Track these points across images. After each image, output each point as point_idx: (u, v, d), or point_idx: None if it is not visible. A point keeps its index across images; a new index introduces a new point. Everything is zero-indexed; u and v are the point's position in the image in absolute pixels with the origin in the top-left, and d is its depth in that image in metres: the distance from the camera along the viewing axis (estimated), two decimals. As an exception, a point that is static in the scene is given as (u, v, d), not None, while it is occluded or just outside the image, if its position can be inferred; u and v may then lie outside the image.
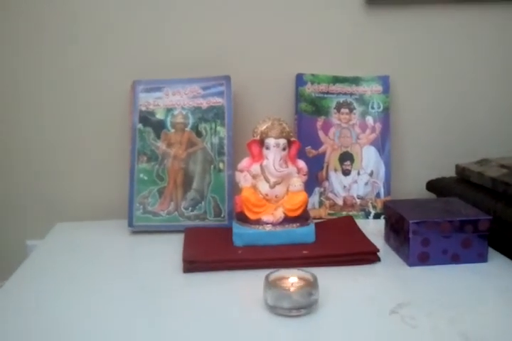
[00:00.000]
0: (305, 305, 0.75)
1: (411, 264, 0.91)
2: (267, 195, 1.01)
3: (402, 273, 0.90)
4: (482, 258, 0.92)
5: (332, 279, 0.85)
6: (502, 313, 0.77)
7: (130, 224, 1.10)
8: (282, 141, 1.00)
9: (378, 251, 0.94)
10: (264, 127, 1.01)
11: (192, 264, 0.91)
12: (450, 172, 1.18)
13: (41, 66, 1.17)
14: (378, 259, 0.93)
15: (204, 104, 1.15)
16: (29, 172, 1.21)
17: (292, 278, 0.79)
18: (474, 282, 0.86)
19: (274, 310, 0.76)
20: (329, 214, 1.17)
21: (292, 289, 0.76)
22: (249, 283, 0.85)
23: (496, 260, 0.93)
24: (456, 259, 0.91)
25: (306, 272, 0.80)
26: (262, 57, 1.19)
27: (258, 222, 1.00)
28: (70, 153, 1.21)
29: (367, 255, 0.93)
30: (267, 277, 0.78)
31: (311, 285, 0.76)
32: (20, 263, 0.97)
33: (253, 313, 0.77)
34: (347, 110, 1.19)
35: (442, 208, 0.96)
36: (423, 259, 0.91)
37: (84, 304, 0.81)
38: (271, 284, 0.77)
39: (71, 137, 1.20)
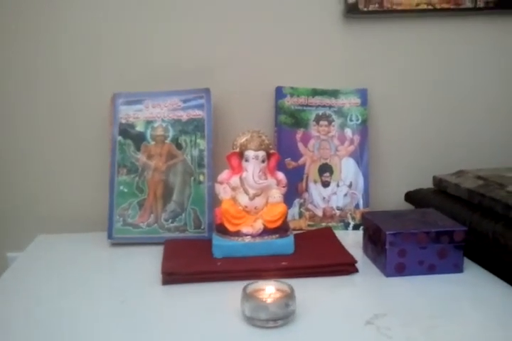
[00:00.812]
0: (282, 316, 0.75)
1: (388, 275, 0.92)
2: (246, 206, 1.02)
3: (379, 284, 0.91)
4: (458, 268, 0.93)
5: (310, 290, 0.86)
6: (477, 323, 0.78)
7: (110, 236, 1.10)
8: (261, 154, 1.01)
9: (356, 262, 0.95)
10: (244, 140, 1.02)
11: (171, 276, 0.91)
12: (428, 184, 1.19)
13: (21, 78, 1.18)
14: (356, 270, 0.94)
15: (184, 116, 1.15)
16: (9, 185, 1.21)
17: (269, 290, 0.79)
18: (450, 292, 0.87)
19: (251, 321, 0.76)
20: (309, 225, 1.18)
21: (269, 300, 0.77)
22: (228, 294, 0.86)
23: (471, 270, 0.94)
24: (432, 270, 0.93)
25: (283, 283, 0.80)
26: (241, 70, 1.21)
27: (237, 233, 1.00)
28: (50, 166, 1.21)
29: (345, 266, 0.94)
30: (244, 289, 0.78)
31: (288, 296, 0.77)
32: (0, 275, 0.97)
33: (231, 325, 0.77)
34: (326, 122, 1.21)
35: (419, 219, 0.98)
36: (400, 270, 0.92)
37: (64, 316, 0.81)
38: (248, 296, 0.77)
39: (51, 149, 1.20)
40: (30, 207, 1.22)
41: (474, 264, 0.96)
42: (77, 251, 1.09)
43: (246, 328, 0.76)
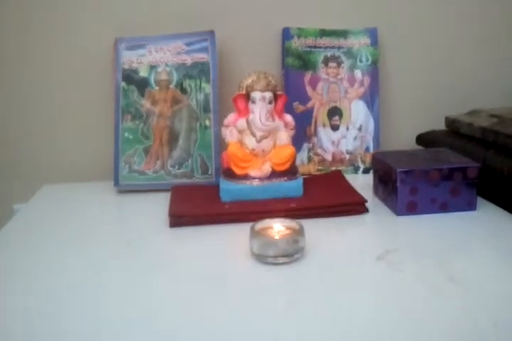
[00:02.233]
0: (291, 253, 0.74)
1: (399, 213, 0.90)
2: (253, 149, 1.00)
3: (390, 223, 0.89)
4: (471, 206, 0.91)
5: (320, 230, 0.84)
6: (489, 258, 0.76)
7: (116, 184, 1.09)
8: (268, 94, 0.98)
9: (366, 201, 0.92)
10: (250, 81, 0.99)
11: (178, 219, 0.90)
12: (440, 126, 1.16)
13: (24, 29, 1.14)
14: (366, 210, 0.92)
15: (188, 60, 1.12)
16: (11, 136, 1.19)
17: (277, 227, 0.78)
18: (462, 230, 0.85)
19: (260, 258, 0.75)
20: (318, 169, 1.16)
21: (277, 237, 0.75)
22: (236, 235, 0.84)
23: (484, 208, 0.92)
24: (444, 208, 0.90)
25: (291, 221, 0.79)
26: (247, 11, 1.16)
27: (245, 177, 0.98)
28: (53, 114, 1.19)
29: (355, 206, 0.92)
30: (252, 226, 0.77)
31: (297, 233, 0.75)
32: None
33: (239, 263, 0.76)
34: (335, 64, 1.17)
35: (431, 157, 0.95)
36: (411, 208, 0.90)
37: (71, 261, 0.80)
38: (256, 233, 0.76)
39: (54, 98, 1.18)
40: (34, 158, 1.20)
41: (487, 202, 0.94)
42: (83, 199, 1.08)
43: (255, 265, 0.75)
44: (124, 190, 1.09)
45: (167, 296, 0.69)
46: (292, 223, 0.78)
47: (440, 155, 0.96)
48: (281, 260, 0.74)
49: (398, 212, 0.90)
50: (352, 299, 0.66)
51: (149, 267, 0.77)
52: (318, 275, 0.73)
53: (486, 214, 0.90)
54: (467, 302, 0.65)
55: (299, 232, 0.75)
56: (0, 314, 0.66)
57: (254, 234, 0.76)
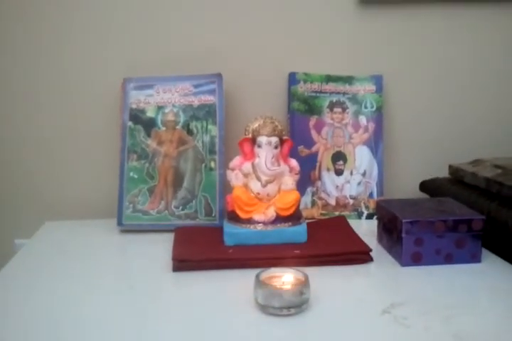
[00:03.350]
0: (296, 304, 0.73)
1: (404, 264, 0.90)
2: (258, 193, 1.00)
3: (395, 273, 0.89)
4: (476, 258, 0.91)
5: (324, 279, 0.84)
6: (496, 314, 0.75)
7: (119, 223, 1.08)
8: (274, 139, 0.99)
9: (371, 250, 0.92)
10: (256, 125, 1.00)
11: (181, 263, 0.89)
12: (443, 173, 1.17)
13: (33, 65, 1.16)
14: (371, 259, 0.92)
15: (195, 101, 1.13)
16: (18, 171, 1.19)
17: (283, 277, 0.77)
18: (468, 282, 0.85)
19: (264, 309, 0.74)
20: (322, 214, 1.16)
21: (283, 288, 0.75)
22: (240, 282, 0.84)
23: (489, 260, 0.92)
24: (449, 259, 0.90)
25: (297, 271, 0.78)
26: (254, 55, 1.18)
27: (249, 221, 0.98)
28: (59, 152, 1.19)
29: (359, 255, 0.92)
30: (257, 275, 0.77)
31: (302, 284, 0.75)
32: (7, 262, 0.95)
33: (244, 312, 0.75)
34: (340, 109, 1.18)
35: (436, 208, 0.95)
36: (416, 259, 0.90)
37: (72, 302, 0.79)
38: (261, 283, 0.75)
39: (61, 135, 1.19)
40: (39, 194, 1.20)
41: (492, 254, 0.94)
42: (86, 237, 1.07)
43: (259, 316, 0.74)
44: (127, 229, 1.09)
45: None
46: (298, 273, 0.78)
47: (445, 206, 0.96)
48: (286, 312, 0.73)
49: (403, 262, 0.90)
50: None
51: (151, 313, 0.76)
52: (324, 328, 0.72)
53: (491, 266, 0.90)
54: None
55: (305, 283, 0.75)
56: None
57: (259, 284, 0.75)
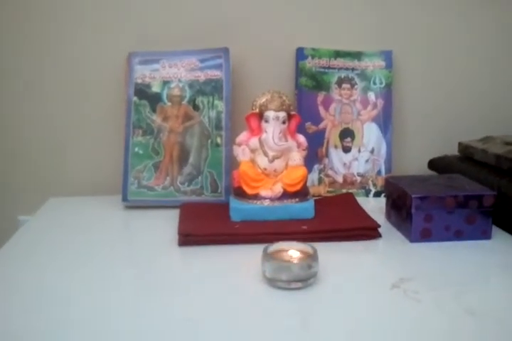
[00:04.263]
0: (304, 278, 0.72)
1: (413, 240, 0.89)
2: (265, 169, 0.98)
3: (404, 249, 0.87)
4: (486, 235, 0.90)
5: (332, 254, 0.83)
6: (506, 289, 0.74)
7: (124, 199, 1.07)
8: (282, 114, 0.97)
9: (379, 226, 0.91)
10: (264, 100, 0.98)
11: (187, 237, 0.88)
12: (453, 151, 1.15)
13: (38, 40, 1.14)
14: (379, 235, 0.91)
15: (202, 76, 1.11)
16: (21, 148, 1.18)
17: (291, 251, 0.76)
18: (478, 258, 0.84)
19: (272, 282, 0.73)
20: (329, 191, 1.15)
21: (291, 261, 0.74)
22: (247, 256, 0.83)
23: (499, 237, 0.91)
24: (459, 236, 0.89)
25: (305, 245, 0.77)
26: (261, 29, 1.16)
27: (256, 196, 0.97)
28: (63, 127, 1.18)
29: (367, 230, 0.91)
30: (265, 249, 0.76)
31: (310, 257, 0.74)
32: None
33: (251, 286, 0.74)
34: (348, 85, 1.16)
35: (445, 184, 0.94)
36: (425, 235, 0.89)
37: (77, 277, 0.78)
38: (269, 256, 0.74)
39: (65, 111, 1.17)
40: (42, 170, 1.19)
41: (503, 231, 0.93)
42: (90, 213, 1.06)
43: (267, 289, 0.73)
44: (132, 205, 1.08)
45: (174, 317, 0.67)
46: (306, 247, 0.77)
47: (454, 182, 0.95)
48: (294, 285, 0.72)
49: (412, 238, 0.89)
50: (367, 328, 0.64)
51: (157, 287, 0.75)
52: (332, 301, 0.71)
53: (501, 243, 0.89)
54: (484, 334, 0.63)
55: (313, 257, 0.74)
56: (1, 329, 0.64)
57: (267, 257, 0.74)
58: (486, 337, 0.63)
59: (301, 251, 0.76)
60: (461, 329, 0.64)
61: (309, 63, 1.16)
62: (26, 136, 1.18)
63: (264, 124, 0.98)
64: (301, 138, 1.02)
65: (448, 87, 1.21)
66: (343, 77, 1.16)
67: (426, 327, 0.64)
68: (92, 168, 1.19)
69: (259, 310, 0.69)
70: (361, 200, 1.06)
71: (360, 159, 1.16)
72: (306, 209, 0.97)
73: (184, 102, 1.11)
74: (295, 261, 0.74)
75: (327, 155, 1.16)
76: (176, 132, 1.10)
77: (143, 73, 1.12)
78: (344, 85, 1.16)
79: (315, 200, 0.99)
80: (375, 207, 1.05)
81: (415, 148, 1.22)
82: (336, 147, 1.16)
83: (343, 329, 0.64)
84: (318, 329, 0.64)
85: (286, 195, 0.97)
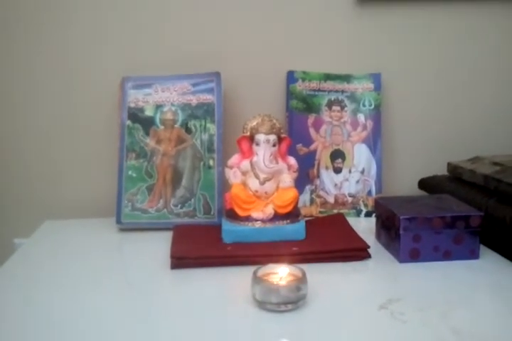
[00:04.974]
0: (293, 300, 0.73)
1: (402, 261, 0.90)
2: (256, 191, 1.00)
3: (393, 270, 0.88)
4: (474, 254, 0.91)
5: (321, 275, 0.84)
6: (494, 309, 0.75)
7: (118, 221, 1.09)
8: (272, 137, 0.99)
9: (369, 247, 0.92)
10: (255, 123, 1.00)
11: (180, 260, 0.89)
12: (442, 171, 1.17)
13: (31, 64, 1.16)
14: (369, 256, 0.92)
15: (194, 100, 1.13)
16: (17, 170, 1.20)
17: (280, 273, 0.77)
18: (466, 278, 0.85)
19: (262, 305, 0.74)
20: (320, 212, 1.16)
21: (280, 284, 0.75)
22: (238, 279, 0.84)
23: (487, 256, 0.92)
24: (447, 256, 0.90)
25: (294, 267, 0.78)
26: (252, 53, 1.19)
27: (248, 218, 0.98)
28: (58, 151, 1.19)
29: (357, 251, 0.92)
30: (255, 272, 0.77)
31: (299, 279, 0.75)
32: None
33: (241, 309, 0.75)
34: (338, 107, 1.18)
35: (434, 204, 0.95)
36: (414, 256, 0.90)
37: (72, 300, 0.79)
38: (259, 279, 0.75)
39: (59, 135, 1.19)
40: (38, 193, 1.21)
41: (490, 251, 0.94)
42: (85, 236, 1.07)
43: (256, 312, 0.74)
44: (126, 228, 1.09)
45: (166, 340, 0.68)
46: (295, 269, 0.78)
47: (443, 203, 0.96)
48: (283, 307, 0.73)
49: (401, 259, 0.90)
50: (355, 350, 0.66)
51: (150, 311, 0.76)
52: (321, 323, 0.72)
53: (489, 263, 0.90)
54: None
55: (302, 279, 0.75)
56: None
57: (257, 280, 0.75)
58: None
59: (291, 274, 0.77)
60: (446, 350, 0.65)
61: (300, 86, 1.18)
62: (21, 159, 1.19)
63: (255, 147, 1.00)
64: (292, 160, 1.03)
65: (436, 109, 1.23)
66: (333, 99, 1.18)
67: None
68: (86, 190, 1.20)
69: (249, 333, 0.70)
70: (352, 220, 1.07)
71: (351, 180, 1.17)
72: (297, 230, 0.98)
73: (177, 125, 1.13)
74: (284, 284, 0.75)
75: (318, 176, 1.17)
76: (169, 155, 1.12)
77: (136, 97, 1.14)
78: (334, 107, 1.18)
79: (306, 221, 1.01)
80: (365, 227, 1.07)
81: (405, 169, 1.23)
82: (327, 168, 1.18)
83: (331, 351, 0.65)
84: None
85: (277, 216, 0.99)
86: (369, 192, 1.17)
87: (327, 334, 0.69)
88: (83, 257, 0.96)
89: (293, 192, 1.00)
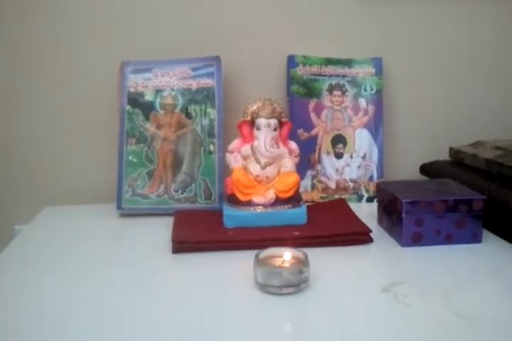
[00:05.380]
0: (295, 283, 0.73)
1: (404, 245, 0.90)
2: (257, 176, 0.99)
3: (395, 254, 0.88)
4: (476, 238, 0.90)
5: (323, 259, 0.83)
6: (496, 292, 0.75)
7: (119, 207, 1.08)
8: (273, 121, 0.98)
9: (371, 231, 0.92)
10: (255, 107, 0.99)
11: (181, 244, 0.89)
12: (444, 156, 1.16)
13: (31, 50, 1.15)
14: (371, 240, 0.92)
15: (194, 85, 1.13)
16: (18, 157, 1.19)
17: (283, 256, 0.77)
18: (468, 262, 0.84)
19: (264, 288, 0.74)
20: (321, 197, 1.16)
21: (282, 267, 0.74)
22: (240, 263, 0.83)
23: (489, 240, 0.92)
24: (449, 240, 0.90)
25: (297, 250, 0.78)
26: (253, 37, 1.17)
27: (249, 203, 0.98)
28: (58, 137, 1.18)
29: (359, 235, 0.92)
30: (257, 255, 0.76)
31: (301, 262, 0.75)
32: (7, 248, 0.95)
33: (243, 292, 0.75)
34: (339, 92, 1.18)
35: (436, 188, 0.95)
36: (416, 240, 0.90)
37: (73, 285, 0.79)
38: (261, 262, 0.75)
39: (59, 120, 1.18)
40: (38, 179, 1.20)
41: (492, 234, 0.94)
42: (85, 222, 1.07)
43: (259, 295, 0.74)
44: (127, 213, 1.08)
45: (168, 324, 0.68)
46: (297, 252, 0.77)
47: (445, 186, 0.96)
48: (285, 290, 0.73)
49: (403, 243, 0.90)
50: (358, 332, 0.65)
51: (151, 295, 0.76)
52: (324, 306, 0.72)
53: (491, 247, 0.90)
54: (473, 336, 0.64)
55: (304, 262, 0.75)
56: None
57: (259, 263, 0.75)
58: (474, 339, 0.64)
59: (293, 257, 0.77)
60: (449, 332, 0.65)
61: (300, 71, 1.17)
62: (21, 146, 1.18)
63: (255, 131, 0.99)
64: (293, 144, 1.03)
65: (437, 93, 1.22)
66: (334, 84, 1.18)
67: (415, 331, 0.65)
68: (87, 176, 1.20)
69: (251, 316, 0.70)
70: (354, 206, 1.06)
71: (353, 165, 1.17)
72: (298, 215, 0.98)
73: (177, 110, 1.12)
74: (286, 267, 0.74)
75: (319, 161, 1.17)
76: (169, 140, 1.11)
77: (135, 82, 1.13)
78: (335, 92, 1.17)
79: (308, 206, 1.00)
80: (367, 212, 1.06)
81: (407, 154, 1.23)
82: (328, 153, 1.17)
83: (335, 333, 0.65)
84: (309, 334, 0.65)
85: (278, 201, 0.98)
86: (370, 178, 1.17)
87: (329, 317, 0.69)
88: (84, 243, 0.96)
89: (294, 177, 0.99)
